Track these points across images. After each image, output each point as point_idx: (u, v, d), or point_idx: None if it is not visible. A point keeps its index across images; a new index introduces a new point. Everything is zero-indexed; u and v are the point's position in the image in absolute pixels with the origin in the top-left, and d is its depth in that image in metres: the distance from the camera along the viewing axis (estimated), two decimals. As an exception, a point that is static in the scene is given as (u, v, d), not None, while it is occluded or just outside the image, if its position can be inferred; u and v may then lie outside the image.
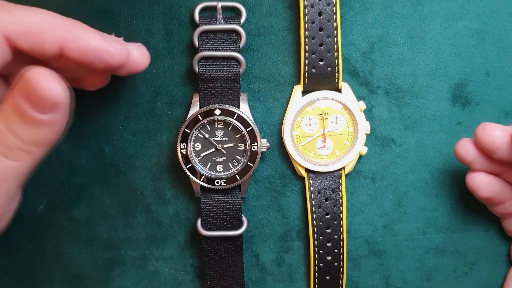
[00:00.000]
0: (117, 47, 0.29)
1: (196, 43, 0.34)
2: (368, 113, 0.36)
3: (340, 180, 0.36)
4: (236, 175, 0.34)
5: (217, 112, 0.33)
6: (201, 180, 0.34)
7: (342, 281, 0.37)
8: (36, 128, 0.26)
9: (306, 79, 0.35)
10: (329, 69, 0.35)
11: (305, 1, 0.33)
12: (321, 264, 0.37)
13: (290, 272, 0.38)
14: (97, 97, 0.35)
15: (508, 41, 0.35)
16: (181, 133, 0.34)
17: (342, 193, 0.36)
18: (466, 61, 0.36)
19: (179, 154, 0.34)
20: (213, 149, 0.34)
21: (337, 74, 0.35)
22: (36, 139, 0.26)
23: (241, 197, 0.35)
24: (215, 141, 0.34)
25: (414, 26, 0.35)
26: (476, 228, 0.37)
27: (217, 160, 0.34)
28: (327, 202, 0.36)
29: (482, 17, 0.35)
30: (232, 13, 0.35)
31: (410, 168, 0.37)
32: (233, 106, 0.34)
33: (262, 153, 0.34)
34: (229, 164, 0.34)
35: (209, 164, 0.34)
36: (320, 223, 0.36)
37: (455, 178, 0.36)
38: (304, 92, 0.35)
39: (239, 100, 0.34)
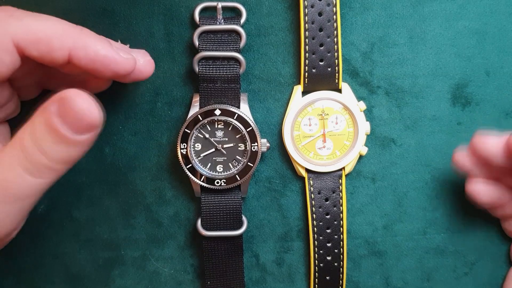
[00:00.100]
0: (125, 56, 0.29)
1: (196, 43, 0.34)
2: (368, 113, 0.36)
3: (340, 180, 0.36)
4: (236, 175, 0.34)
5: (217, 112, 0.33)
6: (201, 180, 0.34)
7: (342, 281, 0.37)
8: (68, 148, 0.26)
9: (306, 79, 0.35)
10: (329, 69, 0.35)
11: (305, 1, 0.33)
12: (321, 264, 0.37)
13: (290, 272, 0.38)
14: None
15: (508, 41, 0.35)
16: (181, 133, 0.34)
17: (342, 193, 0.36)
18: (466, 61, 0.36)
19: (179, 154, 0.34)
20: (213, 149, 0.34)
21: (337, 74, 0.35)
22: (65, 158, 0.26)
23: (241, 197, 0.35)
24: (215, 141, 0.34)
25: (414, 26, 0.35)
26: (476, 228, 0.37)
27: (217, 160, 0.34)
28: (327, 202, 0.36)
29: (482, 17, 0.35)
30: (232, 13, 0.35)
31: (410, 168, 0.37)
32: (233, 106, 0.34)
33: (262, 153, 0.34)
34: (229, 164, 0.34)
35: (209, 164, 0.34)
36: (320, 223, 0.36)
37: (455, 178, 0.36)
38: (304, 92, 0.35)
39: (239, 100, 0.34)
